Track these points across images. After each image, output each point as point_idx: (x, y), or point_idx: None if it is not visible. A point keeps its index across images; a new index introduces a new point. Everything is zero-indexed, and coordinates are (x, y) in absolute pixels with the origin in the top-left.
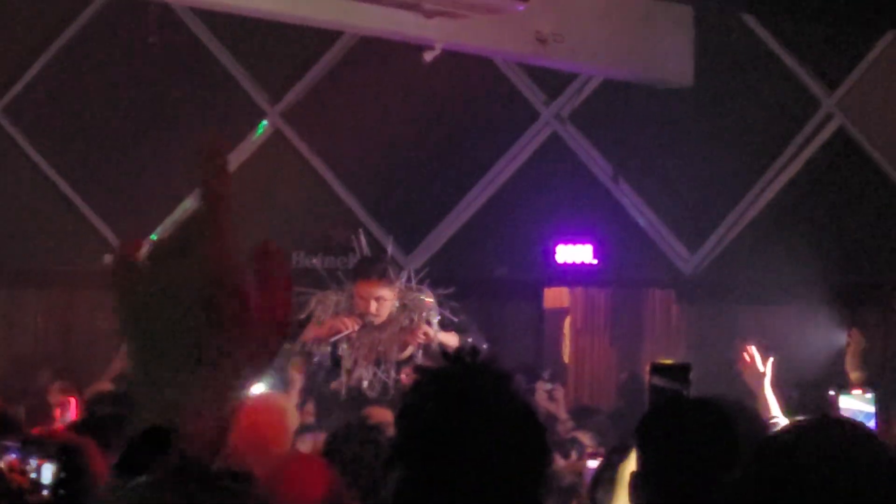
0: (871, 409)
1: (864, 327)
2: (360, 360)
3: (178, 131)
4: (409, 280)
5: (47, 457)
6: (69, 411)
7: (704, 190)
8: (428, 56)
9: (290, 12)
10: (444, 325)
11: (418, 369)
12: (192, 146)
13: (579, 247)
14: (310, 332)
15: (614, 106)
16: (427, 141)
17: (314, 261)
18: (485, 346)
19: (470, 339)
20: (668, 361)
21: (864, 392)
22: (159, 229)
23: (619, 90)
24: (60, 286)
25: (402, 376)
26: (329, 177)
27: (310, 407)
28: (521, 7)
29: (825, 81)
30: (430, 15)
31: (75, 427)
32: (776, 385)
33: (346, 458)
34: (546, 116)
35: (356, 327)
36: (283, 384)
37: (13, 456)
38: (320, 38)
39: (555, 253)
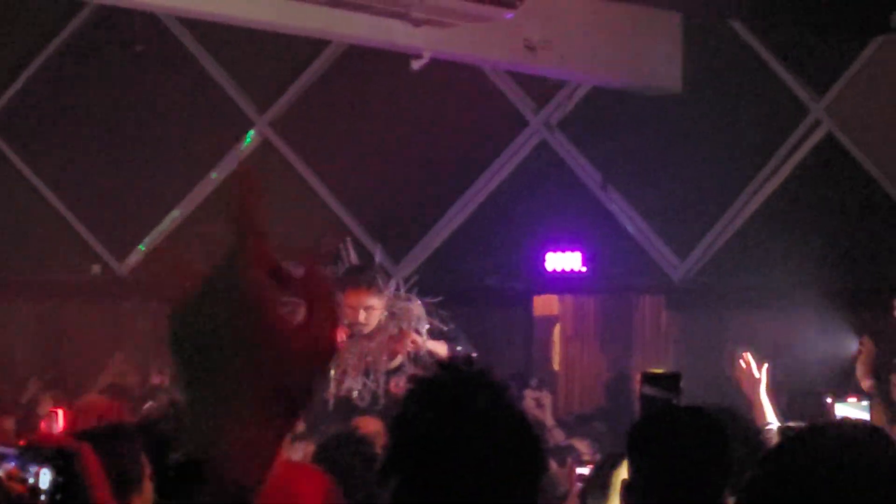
0: (867, 416)
1: (862, 333)
2: (349, 370)
3: (165, 141)
4: (397, 288)
5: (44, 462)
6: (56, 423)
7: (693, 196)
8: (416, 64)
9: (278, 21)
10: (433, 334)
11: (413, 378)
12: (179, 157)
13: (569, 254)
14: None
15: (603, 113)
16: (416, 150)
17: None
18: (474, 355)
19: (459, 348)
20: (659, 371)
21: (860, 400)
22: (147, 239)
23: (608, 97)
24: (48, 296)
25: (392, 385)
26: (318, 186)
27: None
28: (509, 15)
29: (813, 88)
30: (418, 23)
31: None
32: (771, 391)
33: (336, 467)
34: (535, 124)
35: (344, 337)
36: None
37: (12, 464)
38: (308, 47)
39: (544, 261)
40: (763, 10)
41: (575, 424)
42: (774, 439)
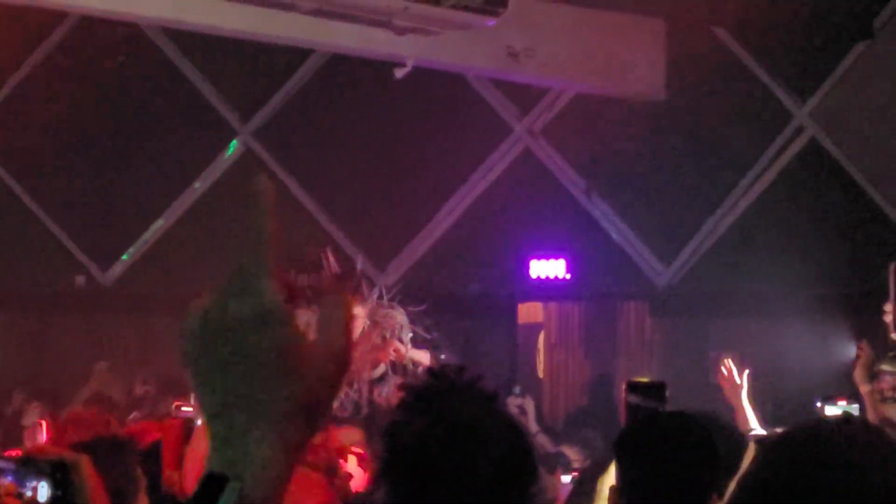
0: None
1: (849, 338)
2: None
3: (148, 151)
4: (381, 296)
5: (42, 476)
6: (40, 435)
7: (678, 202)
8: (399, 73)
9: (261, 31)
10: (417, 342)
11: (405, 387)
12: (162, 167)
13: (553, 261)
14: None
15: (587, 120)
16: (399, 158)
17: None
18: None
19: (442, 356)
20: (644, 380)
21: (849, 403)
22: (131, 250)
23: (592, 104)
24: (32, 307)
25: (374, 395)
26: (301, 195)
27: None
28: (492, 22)
29: (797, 93)
30: (400, 31)
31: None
32: (753, 397)
33: None
34: (518, 132)
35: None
36: None
37: (8, 479)
38: (291, 56)
39: (528, 268)
40: (746, 17)
41: (564, 431)
42: (751, 451)
